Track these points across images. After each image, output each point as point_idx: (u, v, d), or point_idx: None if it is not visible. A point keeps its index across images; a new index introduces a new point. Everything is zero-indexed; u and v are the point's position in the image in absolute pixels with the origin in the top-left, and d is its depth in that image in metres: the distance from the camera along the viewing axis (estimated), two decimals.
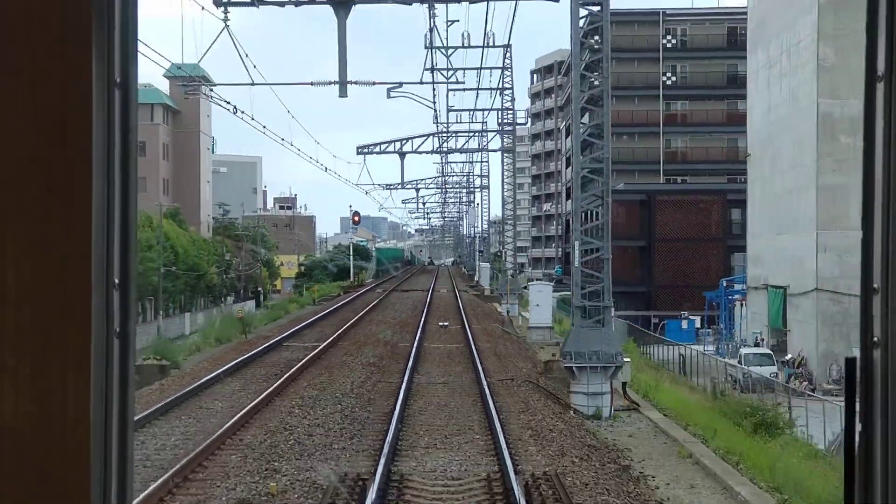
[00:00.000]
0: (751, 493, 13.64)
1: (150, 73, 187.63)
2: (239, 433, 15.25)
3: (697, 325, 62.31)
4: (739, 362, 38.73)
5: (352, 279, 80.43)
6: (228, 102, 29.57)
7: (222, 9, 20.27)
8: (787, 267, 41.99)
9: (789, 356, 40.36)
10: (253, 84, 26.80)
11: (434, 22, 44.93)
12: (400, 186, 73.59)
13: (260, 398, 18.08)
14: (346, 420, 16.32)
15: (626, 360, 20.47)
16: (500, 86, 52.09)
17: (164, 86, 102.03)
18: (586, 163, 21.57)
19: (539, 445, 14.65)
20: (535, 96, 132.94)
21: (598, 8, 21.18)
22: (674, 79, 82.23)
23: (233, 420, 15.73)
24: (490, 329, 35.25)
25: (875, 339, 1.80)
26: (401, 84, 32.06)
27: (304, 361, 23.82)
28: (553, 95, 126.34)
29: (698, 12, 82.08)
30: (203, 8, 21.23)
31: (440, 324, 35.00)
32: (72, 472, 1.61)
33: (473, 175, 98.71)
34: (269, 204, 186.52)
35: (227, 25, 20.74)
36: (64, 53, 1.59)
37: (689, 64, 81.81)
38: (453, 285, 69.18)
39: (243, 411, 16.57)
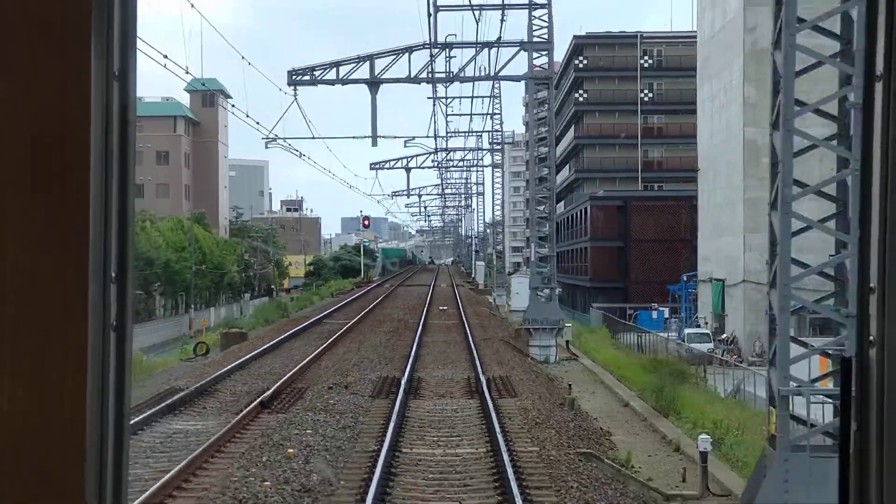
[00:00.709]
0: (623, 393, 23.41)
1: (173, 88, 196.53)
2: (317, 362, 24.99)
3: (666, 315, 71.99)
4: (683, 341, 48.39)
5: (362, 276, 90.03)
6: (297, 150, 39.25)
7: (293, 87, 30.06)
8: (726, 263, 51.71)
9: (725, 335, 50.11)
10: (314, 138, 36.72)
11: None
12: (406, 195, 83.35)
13: (321, 347, 27.78)
14: (381, 357, 26.04)
15: (567, 325, 30.24)
16: (490, 111, 61.92)
17: (185, 99, 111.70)
18: (542, 190, 31.25)
19: (500, 369, 24.32)
20: (527, 105, 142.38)
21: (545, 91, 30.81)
22: (651, 95, 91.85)
23: (310, 357, 25.41)
24: (480, 312, 44.95)
25: (872, 338, 1.79)
26: (413, 138, 42.12)
27: (341, 331, 33.50)
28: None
29: (673, 36, 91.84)
30: (280, 89, 31.07)
31: (440, 308, 44.73)
32: (67, 467, 1.61)
33: (470, 182, 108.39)
34: (276, 206, 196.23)
35: (296, 99, 30.46)
36: (62, 45, 1.60)
37: (664, 82, 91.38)
38: (452, 281, 78.84)
39: (315, 352, 26.31)
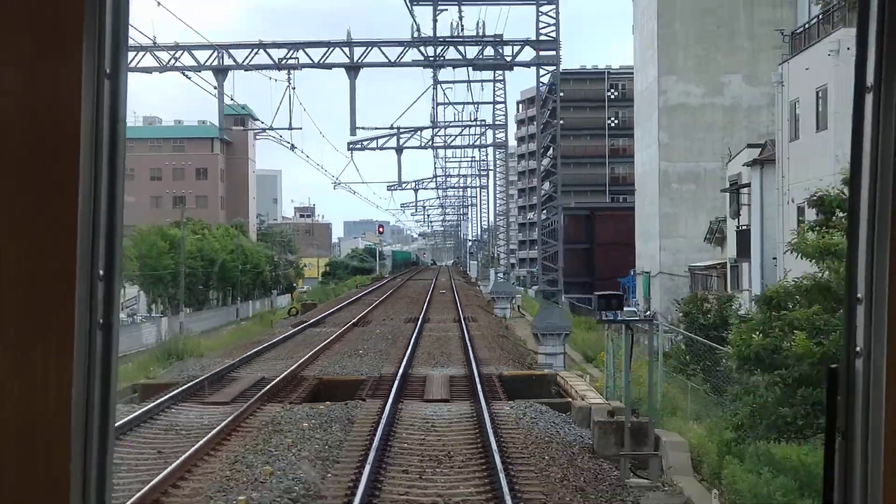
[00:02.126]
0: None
1: (208, 111, 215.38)
2: (370, 313, 44.98)
3: None
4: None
5: (378, 272, 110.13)
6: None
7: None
8: (650, 260, 71.61)
9: (647, 311, 70.21)
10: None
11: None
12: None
13: (369, 308, 47.71)
14: (406, 311, 45.94)
15: (518, 294, 50.08)
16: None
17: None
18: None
19: (472, 314, 44.13)
20: (520, 122, 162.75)
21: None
22: (616, 121, 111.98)
23: (365, 311, 45.34)
24: (468, 295, 64.92)
25: (858, 348, 1.82)
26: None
27: (377, 302, 53.34)
28: (535, 122, 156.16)
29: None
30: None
31: (440, 291, 64.69)
32: (52, 465, 1.63)
33: (469, 187, 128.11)
34: (287, 211, 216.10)
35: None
36: (54, 43, 1.62)
37: (628, 110, 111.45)
38: (451, 277, 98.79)
39: (367, 309, 46.29)
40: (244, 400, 19.42)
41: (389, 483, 13.31)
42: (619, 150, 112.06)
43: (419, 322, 38.53)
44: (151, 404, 18.71)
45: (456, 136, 68.56)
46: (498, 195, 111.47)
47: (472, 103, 76.27)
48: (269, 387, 20.73)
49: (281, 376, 22.29)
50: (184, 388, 20.58)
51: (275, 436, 16.27)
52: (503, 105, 68.89)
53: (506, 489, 12.31)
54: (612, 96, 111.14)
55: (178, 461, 13.73)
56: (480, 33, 39.26)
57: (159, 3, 25.21)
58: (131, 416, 17.27)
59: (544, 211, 48.34)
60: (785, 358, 12.99)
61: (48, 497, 1.64)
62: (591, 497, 13.41)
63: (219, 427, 16.32)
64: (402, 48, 33.44)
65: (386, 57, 33.09)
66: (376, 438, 15.29)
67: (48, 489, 1.64)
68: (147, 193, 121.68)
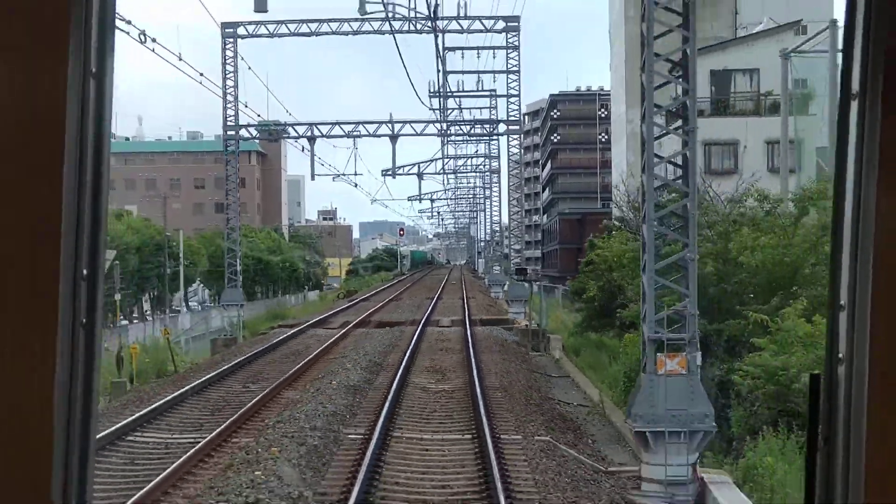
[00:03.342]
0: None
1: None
2: (400, 295, 63.71)
3: None
4: None
5: (399, 270, 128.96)
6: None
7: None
8: None
9: None
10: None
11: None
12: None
13: (398, 292, 66.53)
14: (425, 295, 64.63)
15: (506, 281, 68.68)
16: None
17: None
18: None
19: (472, 294, 62.73)
20: (526, 133, 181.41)
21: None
22: (606, 136, 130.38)
23: (394, 295, 64.03)
24: (473, 285, 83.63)
25: (840, 355, 1.84)
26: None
27: (403, 289, 72.10)
28: (540, 133, 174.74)
29: None
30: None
31: (452, 283, 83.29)
32: (34, 465, 1.64)
33: (481, 187, 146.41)
34: (311, 214, 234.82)
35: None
36: (39, 43, 1.63)
37: None
38: (462, 273, 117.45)
39: (397, 293, 65.10)
40: (343, 328, 37.87)
41: (421, 355, 31.63)
42: (609, 161, 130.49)
43: (434, 299, 57.11)
44: (297, 329, 37.28)
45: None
46: (511, 185, 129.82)
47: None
48: (354, 323, 39.32)
49: (358, 319, 40.93)
50: (310, 322, 39.22)
51: (364, 339, 34.69)
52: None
53: (472, 352, 30.58)
54: (602, 115, 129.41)
55: (327, 343, 32.18)
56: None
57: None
58: (287, 335, 35.78)
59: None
60: (591, 295, 31.49)
61: (29, 496, 1.66)
62: (512, 357, 31.76)
63: (336, 336, 34.77)
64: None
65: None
66: (414, 337, 33.73)
67: (29, 488, 1.65)
68: (191, 201, 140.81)
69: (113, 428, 16.76)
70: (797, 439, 14.39)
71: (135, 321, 70.67)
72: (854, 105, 1.82)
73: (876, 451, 1.77)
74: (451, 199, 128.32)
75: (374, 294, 67.19)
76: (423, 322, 39.33)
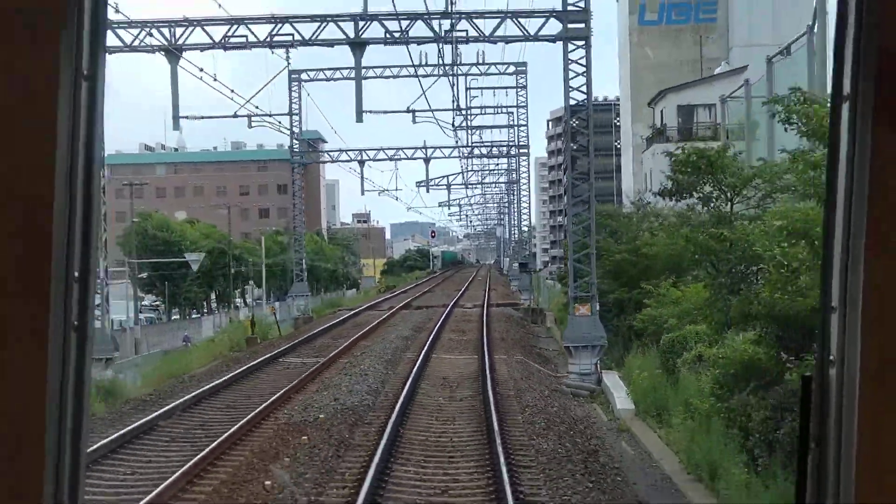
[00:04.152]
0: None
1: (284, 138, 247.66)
2: (433, 287, 76.61)
3: None
4: None
5: (431, 269, 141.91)
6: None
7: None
8: None
9: None
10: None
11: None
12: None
13: (432, 285, 79.51)
14: (454, 286, 77.55)
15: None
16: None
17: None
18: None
19: (495, 287, 75.47)
20: (550, 138, 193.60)
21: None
22: (620, 144, 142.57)
23: (430, 286, 76.90)
24: (498, 281, 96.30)
25: (832, 357, 1.86)
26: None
27: (436, 283, 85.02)
28: (562, 139, 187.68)
29: None
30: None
31: (478, 279, 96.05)
32: (25, 466, 1.66)
33: (505, 193, 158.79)
34: (346, 217, 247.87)
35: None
36: (32, 44, 1.64)
37: None
38: (489, 271, 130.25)
39: (433, 285, 78.07)
40: (390, 310, 50.61)
41: (449, 323, 44.20)
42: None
43: (462, 291, 69.93)
44: (355, 311, 50.16)
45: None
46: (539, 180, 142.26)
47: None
48: (398, 307, 52.26)
49: (401, 304, 53.93)
50: (363, 307, 52.16)
51: (408, 315, 47.39)
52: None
53: (485, 321, 43.15)
54: (617, 123, 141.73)
55: (381, 318, 44.97)
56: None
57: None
58: (349, 314, 48.64)
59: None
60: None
61: (21, 497, 1.66)
62: (514, 325, 44.33)
63: (386, 314, 47.61)
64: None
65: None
66: (444, 314, 46.51)
67: (22, 488, 1.66)
68: (237, 206, 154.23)
69: (270, 354, 29.82)
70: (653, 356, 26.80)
71: (204, 314, 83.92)
72: (845, 107, 1.84)
73: (867, 453, 1.79)
74: (478, 203, 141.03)
75: (411, 288, 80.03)
76: (451, 305, 51.98)
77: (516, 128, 67.42)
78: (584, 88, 30.96)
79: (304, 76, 59.47)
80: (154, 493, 13.21)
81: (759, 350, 14.35)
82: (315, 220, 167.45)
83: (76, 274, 1.68)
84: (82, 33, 1.68)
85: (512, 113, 66.86)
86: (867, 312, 1.79)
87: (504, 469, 14.05)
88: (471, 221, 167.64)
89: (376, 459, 14.77)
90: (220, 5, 35.88)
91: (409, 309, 52.05)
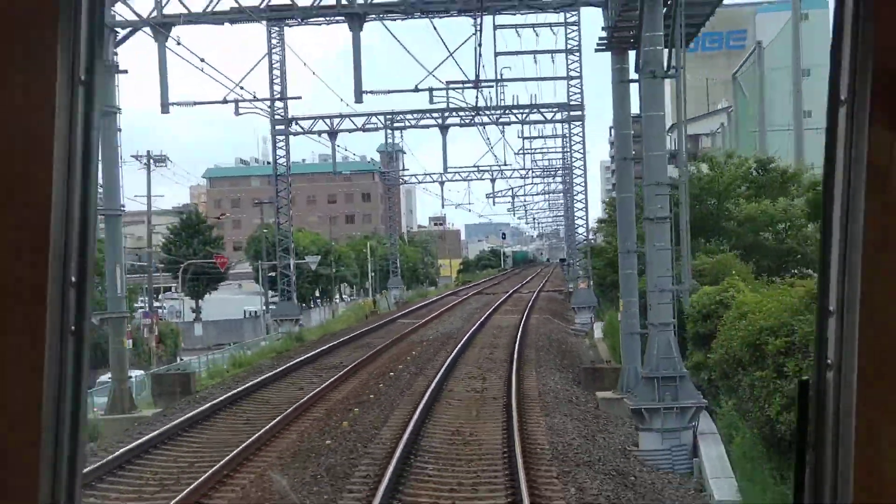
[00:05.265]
0: None
1: (368, 149, 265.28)
2: (500, 282, 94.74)
3: None
4: None
5: (502, 267, 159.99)
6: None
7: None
8: None
9: None
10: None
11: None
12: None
13: (500, 281, 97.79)
14: (518, 282, 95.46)
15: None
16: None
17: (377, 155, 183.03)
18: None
19: (550, 279, 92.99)
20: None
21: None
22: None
23: (498, 282, 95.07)
24: (557, 275, 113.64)
25: (829, 361, 1.86)
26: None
27: (502, 279, 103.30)
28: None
29: None
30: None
31: (541, 275, 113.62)
32: (22, 469, 1.66)
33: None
34: (423, 220, 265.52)
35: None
36: (28, 50, 1.65)
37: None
38: (553, 269, 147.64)
39: (499, 281, 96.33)
40: (466, 295, 68.61)
41: (508, 301, 61.85)
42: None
43: (524, 283, 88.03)
44: (440, 297, 68.35)
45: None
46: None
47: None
48: (472, 293, 70.41)
49: (473, 292, 72.25)
50: (444, 295, 70.50)
51: (479, 299, 65.38)
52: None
53: (533, 299, 61.09)
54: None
55: (458, 300, 63.00)
56: None
57: None
58: (434, 299, 66.81)
59: None
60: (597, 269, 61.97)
61: (18, 501, 1.68)
62: (554, 302, 61.94)
63: (463, 298, 65.58)
64: None
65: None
66: (505, 296, 64.78)
67: (18, 494, 1.68)
68: (326, 214, 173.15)
69: (389, 318, 48.33)
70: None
71: (311, 307, 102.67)
72: (842, 111, 1.84)
73: (864, 456, 1.81)
74: (541, 209, 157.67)
75: (484, 282, 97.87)
76: (512, 292, 69.82)
77: (570, 172, 71.76)
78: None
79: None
80: (361, 359, 31.35)
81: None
82: (395, 223, 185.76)
83: (73, 279, 1.71)
84: (79, 39, 1.73)
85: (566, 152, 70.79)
86: (865, 316, 1.81)
87: (517, 348, 32.24)
88: (539, 223, 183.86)
89: (458, 347, 33.24)
90: None
91: (480, 294, 70.03)
